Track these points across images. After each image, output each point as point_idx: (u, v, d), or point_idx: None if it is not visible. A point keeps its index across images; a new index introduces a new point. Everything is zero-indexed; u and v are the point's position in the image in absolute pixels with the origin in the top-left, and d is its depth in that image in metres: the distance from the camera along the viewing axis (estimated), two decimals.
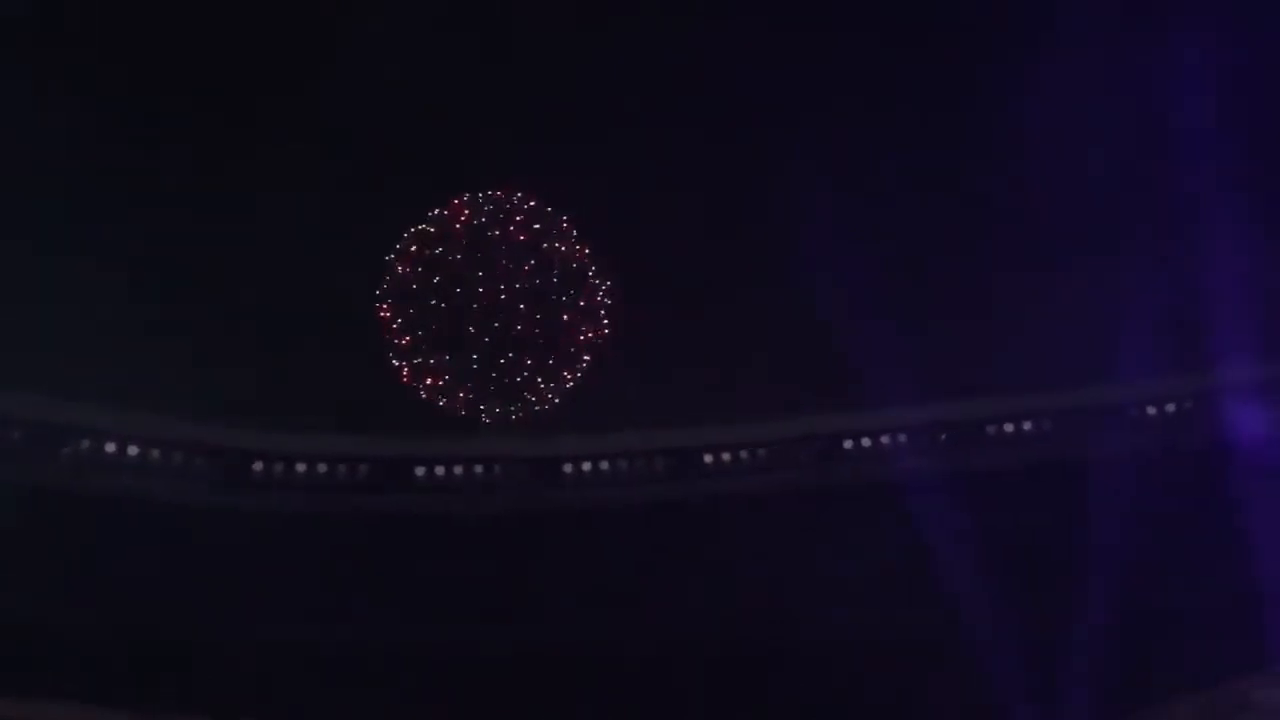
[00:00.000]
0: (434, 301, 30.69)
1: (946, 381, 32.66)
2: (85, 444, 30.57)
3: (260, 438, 31.51)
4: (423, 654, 30.63)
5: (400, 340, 31.20)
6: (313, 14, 27.40)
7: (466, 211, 30.78)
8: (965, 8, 32.51)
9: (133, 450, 30.80)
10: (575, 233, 31.15)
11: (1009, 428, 33.39)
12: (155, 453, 30.96)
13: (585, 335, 31.51)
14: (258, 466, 31.52)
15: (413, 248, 30.92)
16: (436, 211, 30.71)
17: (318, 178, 29.22)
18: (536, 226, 31.01)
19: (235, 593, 30.18)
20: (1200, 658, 30.29)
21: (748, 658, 31.06)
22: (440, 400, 31.63)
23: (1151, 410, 33.49)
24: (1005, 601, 30.34)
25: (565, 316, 31.08)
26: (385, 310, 31.15)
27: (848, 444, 33.03)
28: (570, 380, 31.61)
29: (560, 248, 31.13)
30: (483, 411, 31.69)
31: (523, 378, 31.19)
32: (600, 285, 31.49)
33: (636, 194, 31.32)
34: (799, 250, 30.36)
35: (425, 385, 31.43)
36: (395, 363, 31.40)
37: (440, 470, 32.04)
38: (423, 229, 31.01)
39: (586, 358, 31.61)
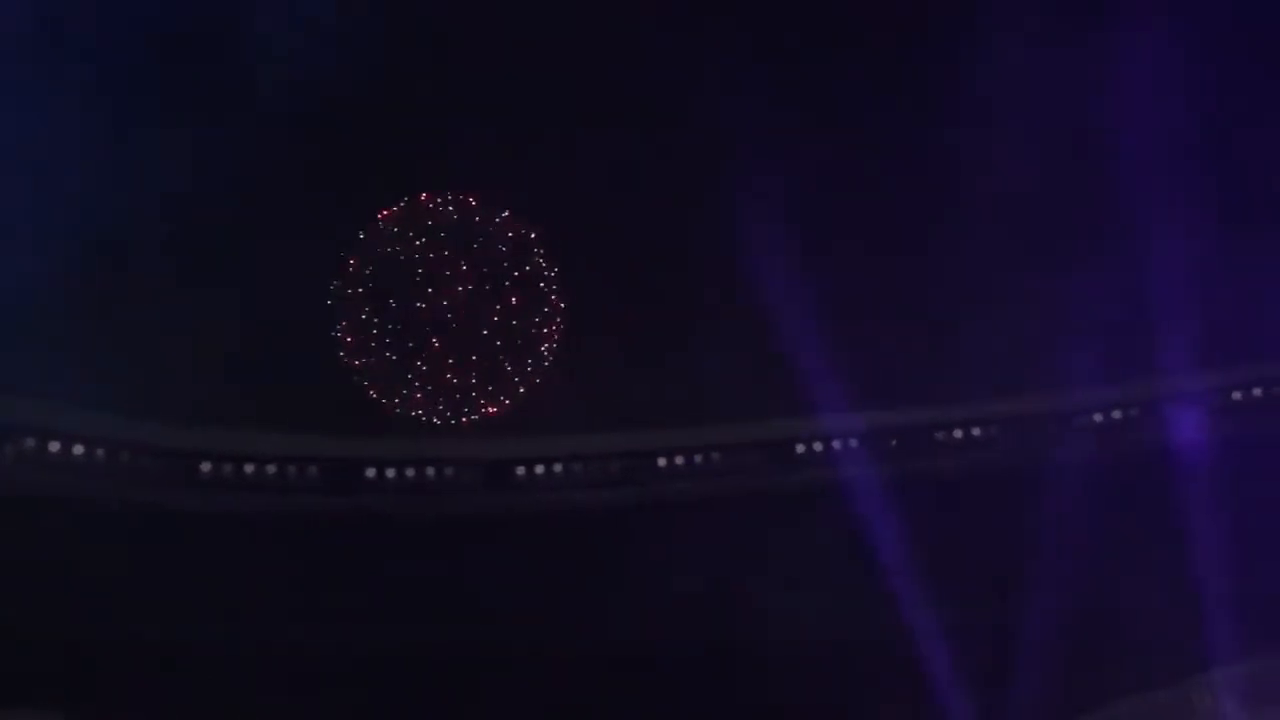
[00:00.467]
0: (386, 302, 30.35)
1: (897, 387, 32.91)
2: (29, 443, 30.09)
3: (208, 437, 31.19)
4: (372, 656, 30.58)
5: (351, 340, 30.82)
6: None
7: (420, 213, 30.44)
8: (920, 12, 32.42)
9: (78, 450, 30.34)
10: (530, 234, 30.89)
11: (958, 434, 33.77)
12: (100, 452, 30.51)
13: (539, 338, 31.30)
14: (205, 467, 31.19)
15: (364, 247, 30.52)
16: (389, 212, 30.32)
17: (270, 174, 28.79)
18: (491, 228, 30.73)
19: (182, 594, 29.90)
20: (1142, 662, 30.90)
21: (701, 660, 31.26)
22: (392, 401, 31.31)
23: (1098, 417, 33.99)
24: (952, 605, 30.79)
25: (518, 319, 30.85)
26: (336, 310, 30.74)
27: (799, 448, 33.27)
28: (524, 383, 31.41)
29: (515, 250, 30.88)
30: (435, 413, 31.40)
31: (476, 379, 30.96)
32: (554, 288, 31.28)
33: (591, 197, 31.11)
34: (753, 256, 30.38)
35: (376, 386, 31.08)
36: (346, 363, 31.03)
37: (391, 472, 31.91)
38: (375, 229, 30.61)
39: (540, 360, 31.39)
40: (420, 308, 30.45)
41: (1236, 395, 34.08)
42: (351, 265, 30.51)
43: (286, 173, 28.86)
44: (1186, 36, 30.39)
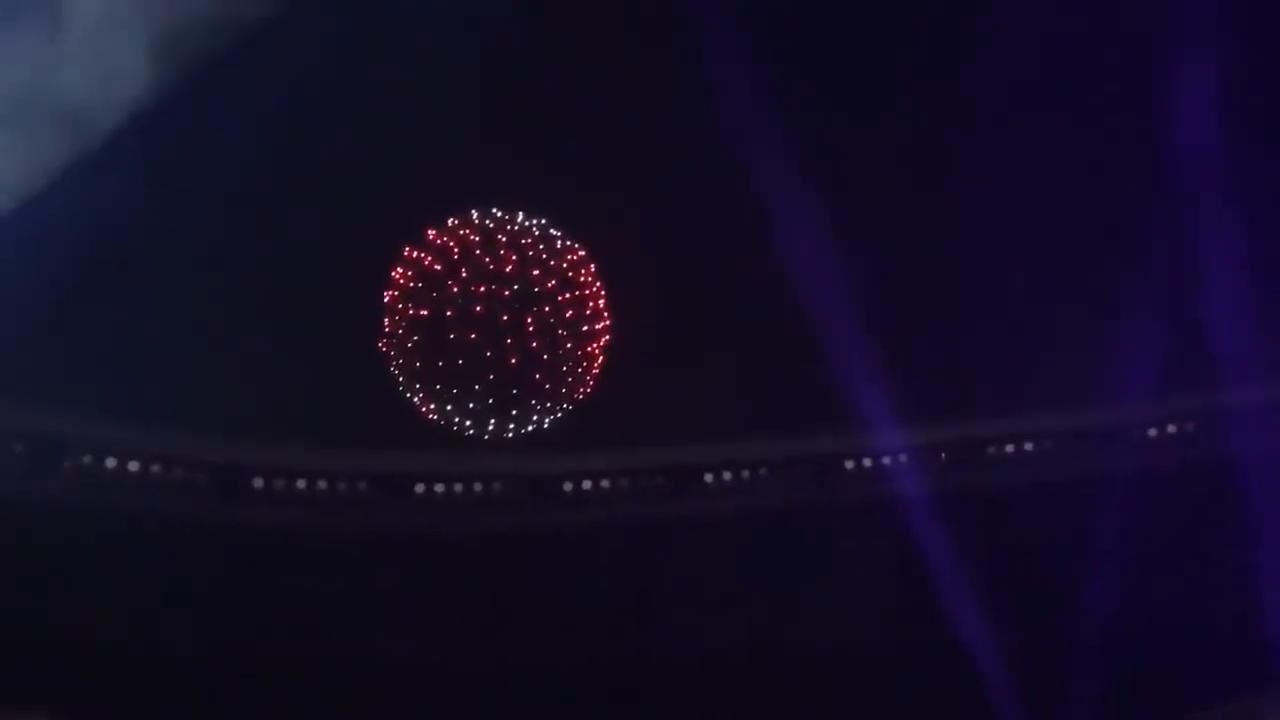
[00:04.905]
0: (433, 316, 30.60)
1: (947, 401, 32.59)
2: (86, 459, 30.65)
3: (259, 453, 31.55)
4: (419, 672, 30.53)
5: (399, 356, 31.08)
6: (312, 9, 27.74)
7: (466, 228, 30.78)
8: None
9: (133, 465, 30.84)
10: (578, 249, 31.07)
11: (1010, 448, 33.32)
12: (155, 468, 30.99)
13: (586, 352, 31.37)
14: (256, 483, 31.52)
15: (411, 261, 30.85)
16: (438, 226, 30.66)
17: (318, 188, 29.36)
18: (539, 243, 30.96)
19: (234, 608, 30.13)
20: (1207, 676, 30.01)
21: (747, 678, 30.85)
22: (440, 417, 31.45)
23: (1153, 431, 33.42)
24: (1008, 621, 30.20)
25: (566, 333, 30.98)
26: (384, 325, 31.05)
27: (849, 464, 32.99)
28: (571, 397, 31.46)
29: (562, 265, 31.07)
30: (482, 429, 31.47)
31: (523, 394, 31.05)
32: (601, 302, 31.41)
33: (637, 211, 31.34)
34: (797, 268, 30.36)
35: (425, 401, 31.27)
36: (395, 378, 31.28)
37: (440, 487, 32.06)
38: (422, 243, 30.97)
39: (587, 376, 31.44)
40: (469, 323, 30.68)
41: None
42: (398, 279, 30.85)
43: (330, 183, 29.40)
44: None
